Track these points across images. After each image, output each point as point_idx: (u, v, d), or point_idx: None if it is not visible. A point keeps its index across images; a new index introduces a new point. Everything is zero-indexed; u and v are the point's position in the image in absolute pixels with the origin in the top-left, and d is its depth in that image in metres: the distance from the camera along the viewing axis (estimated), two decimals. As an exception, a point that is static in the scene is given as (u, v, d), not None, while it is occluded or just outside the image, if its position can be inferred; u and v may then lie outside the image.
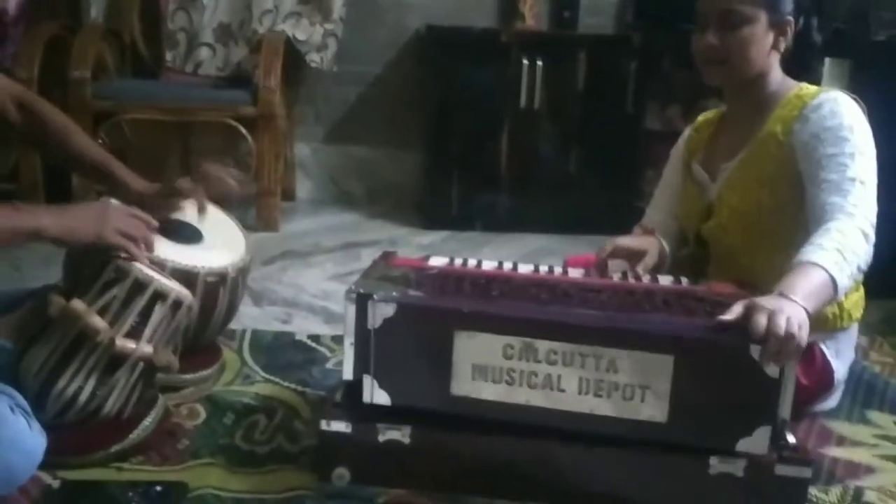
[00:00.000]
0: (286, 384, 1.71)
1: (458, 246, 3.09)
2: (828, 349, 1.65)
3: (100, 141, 2.85)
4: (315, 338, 1.96)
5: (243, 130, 2.94)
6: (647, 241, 1.67)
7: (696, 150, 1.79)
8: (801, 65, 1.65)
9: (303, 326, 2.07)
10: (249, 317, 2.11)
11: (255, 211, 3.06)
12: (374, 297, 1.26)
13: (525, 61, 3.17)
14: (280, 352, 1.88)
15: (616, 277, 1.54)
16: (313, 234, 3.08)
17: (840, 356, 1.67)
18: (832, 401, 1.72)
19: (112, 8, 3.28)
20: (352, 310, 1.27)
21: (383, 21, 3.57)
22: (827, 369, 1.65)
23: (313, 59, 3.28)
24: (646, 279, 1.53)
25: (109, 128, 2.91)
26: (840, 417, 1.71)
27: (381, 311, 1.25)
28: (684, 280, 1.54)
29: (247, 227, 2.98)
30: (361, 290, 1.28)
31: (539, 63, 3.17)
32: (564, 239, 3.09)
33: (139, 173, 1.68)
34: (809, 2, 1.63)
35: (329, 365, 1.82)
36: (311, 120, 3.65)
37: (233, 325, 1.94)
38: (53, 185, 2.93)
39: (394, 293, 1.28)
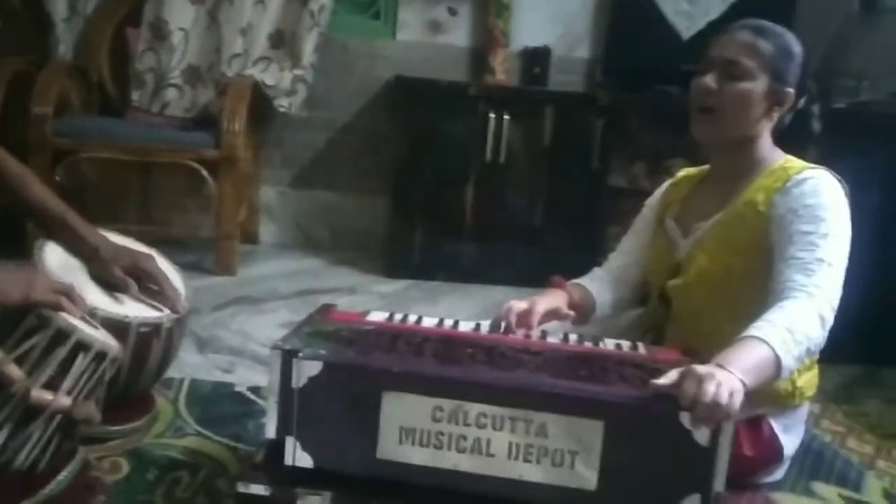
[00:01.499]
0: (218, 438, 1.65)
1: (419, 295, 3.07)
2: (776, 423, 1.62)
3: (57, 178, 2.82)
4: (255, 390, 1.91)
5: (205, 173, 2.92)
6: (549, 300, 1.61)
7: (671, 204, 1.77)
8: (795, 147, 1.63)
9: (245, 377, 2.01)
10: (191, 364, 2.06)
11: (213, 254, 3.02)
12: (300, 353, 1.22)
13: (492, 115, 3.18)
14: (217, 403, 1.82)
15: (557, 339, 1.51)
16: (272, 279, 3.04)
17: (789, 431, 1.64)
18: (778, 473, 1.69)
19: (81, 45, 3.26)
20: (277, 366, 1.23)
21: (354, 70, 3.60)
22: (774, 443, 1.62)
23: (282, 103, 3.28)
24: (588, 343, 1.50)
25: (68, 165, 2.87)
26: (784, 489, 1.68)
27: (306, 369, 1.21)
28: (625, 345, 1.51)
29: (204, 270, 3.00)
30: (287, 346, 1.24)
31: (506, 117, 3.19)
32: (527, 292, 3.00)
33: (97, 212, 1.64)
34: (814, 88, 1.63)
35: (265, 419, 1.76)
36: (278, 163, 3.64)
37: (173, 374, 1.90)
38: (4, 228, 2.87)
39: (321, 350, 1.25)
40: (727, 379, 1.18)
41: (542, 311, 1.54)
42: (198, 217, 3.00)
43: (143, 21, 3.18)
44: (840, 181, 1.54)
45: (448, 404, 1.19)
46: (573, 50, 3.65)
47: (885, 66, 3.00)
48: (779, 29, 1.60)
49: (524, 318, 1.53)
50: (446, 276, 3.27)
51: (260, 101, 3.22)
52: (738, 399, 1.17)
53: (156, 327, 1.57)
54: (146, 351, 1.57)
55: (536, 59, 3.54)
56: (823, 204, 1.47)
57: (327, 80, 3.50)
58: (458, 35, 3.63)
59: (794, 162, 1.58)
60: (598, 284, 1.77)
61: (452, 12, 3.60)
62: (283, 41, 3.32)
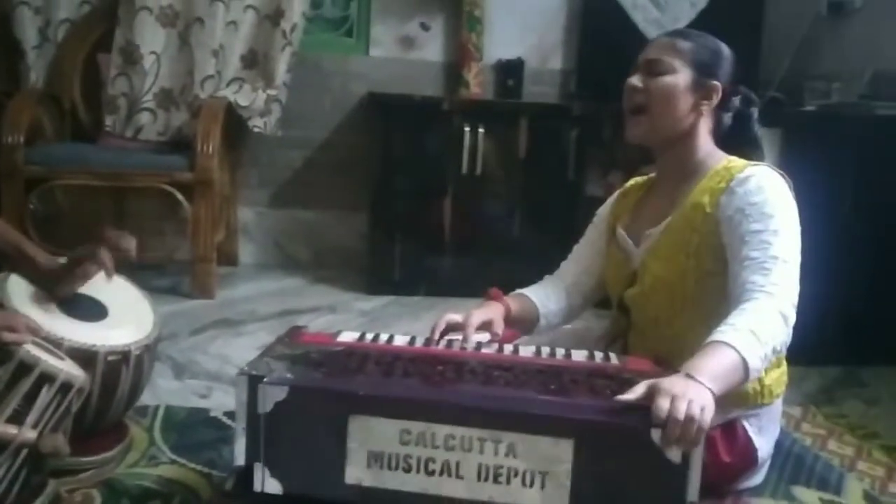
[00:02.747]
0: (193, 465, 1.64)
1: (401, 311, 3.06)
2: (750, 426, 1.61)
3: (31, 206, 2.81)
4: (231, 414, 1.87)
5: (179, 196, 2.90)
6: (484, 313, 1.61)
7: (621, 214, 1.77)
8: (740, 151, 1.63)
9: (222, 402, 1.99)
10: (167, 391, 2.04)
11: (190, 278, 3.00)
12: (265, 379, 1.21)
13: (467, 128, 3.18)
14: (192, 430, 1.81)
15: (529, 353, 1.50)
16: (251, 300, 3.03)
17: (763, 433, 1.63)
18: (757, 477, 1.68)
19: (52, 72, 3.24)
20: (243, 392, 1.22)
21: (329, 87, 3.60)
22: (749, 447, 1.61)
23: (256, 124, 3.26)
24: (560, 356, 1.50)
25: (41, 193, 2.85)
26: (764, 494, 1.67)
27: (272, 394, 1.20)
28: (598, 355, 1.51)
29: (181, 294, 2.98)
30: (253, 372, 1.23)
31: (481, 130, 3.19)
32: (508, 305, 3.05)
33: (71, 239, 1.64)
34: (751, 93, 1.65)
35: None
36: (255, 184, 3.63)
37: (148, 401, 1.89)
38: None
39: (287, 374, 1.24)
40: (698, 393, 1.18)
41: (475, 325, 1.55)
42: (174, 241, 2.98)
43: (113, 46, 3.16)
44: (783, 175, 1.55)
45: (415, 427, 1.18)
46: (546, 62, 3.67)
47: (853, 67, 3.02)
48: (701, 33, 1.64)
49: (457, 331, 1.54)
50: (427, 290, 3.26)
51: (235, 122, 3.21)
52: (710, 414, 1.17)
53: (124, 355, 1.56)
54: (115, 379, 1.55)
55: (510, 71, 3.55)
56: (769, 200, 1.47)
57: (302, 99, 3.50)
58: (432, 50, 3.64)
59: (736, 161, 1.59)
60: (544, 294, 1.78)
61: (425, 28, 3.61)
62: (256, 61, 3.32)
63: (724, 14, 3.27)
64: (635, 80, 1.59)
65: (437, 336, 1.53)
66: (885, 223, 2.61)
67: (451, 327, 1.56)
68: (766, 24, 3.37)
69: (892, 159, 2.60)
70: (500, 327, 1.61)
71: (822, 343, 2.39)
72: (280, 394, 1.20)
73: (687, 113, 1.59)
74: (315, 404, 1.21)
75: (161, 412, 1.88)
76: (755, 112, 1.67)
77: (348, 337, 1.51)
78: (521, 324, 1.72)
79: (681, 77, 1.57)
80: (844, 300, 2.52)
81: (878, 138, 2.61)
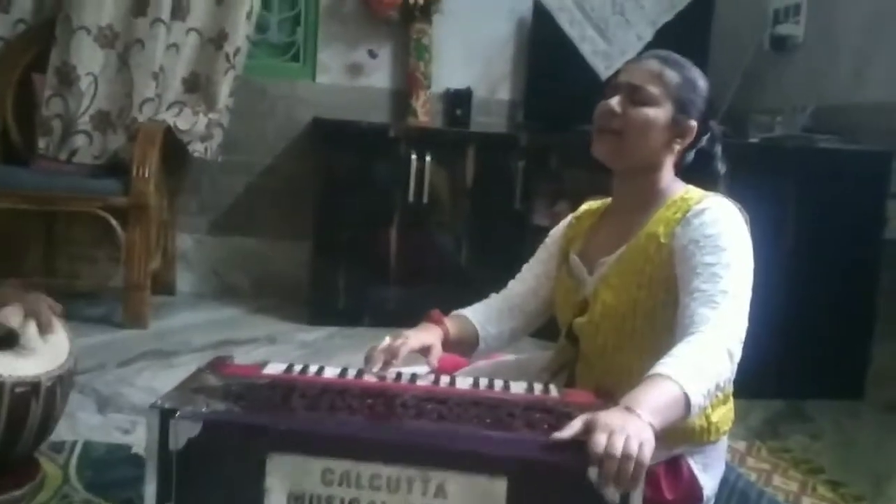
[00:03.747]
0: (107, 505, 1.54)
1: (344, 343, 2.98)
2: (695, 463, 1.56)
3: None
4: (154, 450, 1.79)
5: (113, 221, 2.80)
6: (422, 337, 1.55)
7: (575, 238, 1.72)
8: (701, 187, 1.58)
9: (145, 437, 1.89)
10: (88, 425, 1.93)
11: (122, 306, 2.88)
12: (178, 413, 1.13)
13: (414, 156, 3.14)
14: (111, 467, 1.70)
15: (466, 384, 1.44)
16: (186, 331, 2.92)
17: (708, 470, 1.59)
18: (701, 515, 1.64)
19: (-17, 93, 3.13)
20: (154, 427, 1.14)
21: (274, 113, 3.53)
22: (694, 484, 1.56)
23: (196, 148, 3.18)
24: (498, 388, 1.43)
25: (-35, 216, 2.73)
26: (709, 532, 1.62)
27: (185, 430, 1.12)
28: (537, 387, 1.45)
29: (113, 323, 2.86)
30: (166, 405, 1.15)
31: (428, 158, 3.15)
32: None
33: None
34: (718, 130, 1.61)
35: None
36: (194, 210, 3.53)
37: (65, 435, 1.79)
38: None
39: (203, 409, 1.15)
40: (636, 429, 1.12)
41: (409, 349, 1.49)
42: (107, 268, 2.87)
43: (49, 66, 3.06)
44: (740, 208, 1.52)
45: (339, 465, 1.11)
46: (494, 92, 3.66)
47: (796, 101, 3.06)
48: (687, 62, 1.58)
49: (392, 353, 1.47)
50: (372, 321, 3.18)
51: (174, 146, 3.12)
52: (649, 450, 1.11)
53: (34, 386, 1.46)
54: (24, 412, 1.46)
55: (458, 100, 3.53)
56: (723, 234, 1.44)
57: (245, 124, 3.43)
58: (379, 77, 3.60)
59: (693, 192, 1.55)
60: (485, 316, 1.72)
61: (372, 55, 3.58)
62: (198, 85, 3.24)
63: (670, 46, 3.27)
64: (615, 104, 1.52)
65: (375, 369, 1.45)
66: (827, 255, 2.62)
67: (389, 352, 1.48)
68: (711, 57, 3.40)
69: (834, 192, 2.62)
70: (438, 353, 1.54)
71: (765, 375, 2.37)
72: (193, 429, 1.12)
73: (660, 148, 1.53)
74: (231, 441, 1.13)
75: (78, 448, 1.77)
76: (719, 150, 1.63)
77: (275, 368, 1.43)
78: (460, 347, 1.66)
79: (662, 112, 1.51)
80: (788, 332, 2.51)
81: (820, 171, 2.64)
